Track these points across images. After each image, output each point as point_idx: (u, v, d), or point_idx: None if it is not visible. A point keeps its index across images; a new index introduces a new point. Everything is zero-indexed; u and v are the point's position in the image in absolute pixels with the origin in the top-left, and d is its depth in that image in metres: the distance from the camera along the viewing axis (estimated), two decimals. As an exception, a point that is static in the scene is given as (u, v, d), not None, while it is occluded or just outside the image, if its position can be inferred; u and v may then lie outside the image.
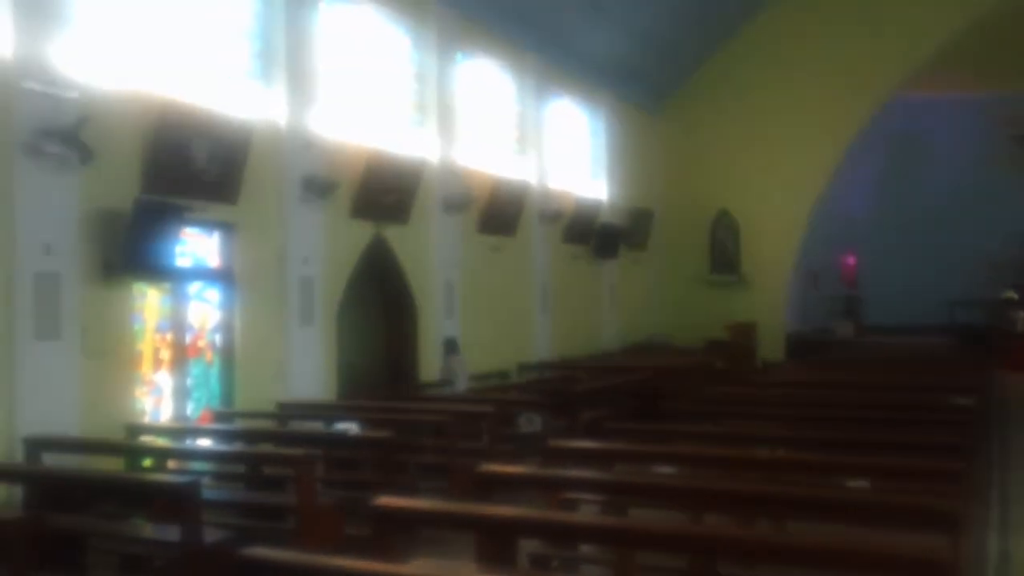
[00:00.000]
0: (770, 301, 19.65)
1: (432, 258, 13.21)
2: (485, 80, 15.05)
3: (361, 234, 11.90)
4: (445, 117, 13.53)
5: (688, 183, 20.52)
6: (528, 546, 5.73)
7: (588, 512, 6.05)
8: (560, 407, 11.52)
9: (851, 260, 24.37)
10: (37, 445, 7.16)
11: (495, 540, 4.86)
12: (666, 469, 6.70)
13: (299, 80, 10.75)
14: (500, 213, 14.80)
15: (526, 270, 15.76)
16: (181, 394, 9.33)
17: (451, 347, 12.76)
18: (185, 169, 9.20)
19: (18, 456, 7.27)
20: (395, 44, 12.87)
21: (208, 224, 9.65)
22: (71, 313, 7.96)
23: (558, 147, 17.27)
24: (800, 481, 5.87)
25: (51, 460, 7.18)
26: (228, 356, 9.89)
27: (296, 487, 6.66)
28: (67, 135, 7.75)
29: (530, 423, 10.95)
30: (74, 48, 8.13)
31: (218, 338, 9.85)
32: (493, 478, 5.91)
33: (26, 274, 7.65)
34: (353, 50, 12.00)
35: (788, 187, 19.49)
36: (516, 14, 14.78)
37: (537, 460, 7.34)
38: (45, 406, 7.64)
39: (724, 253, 20.53)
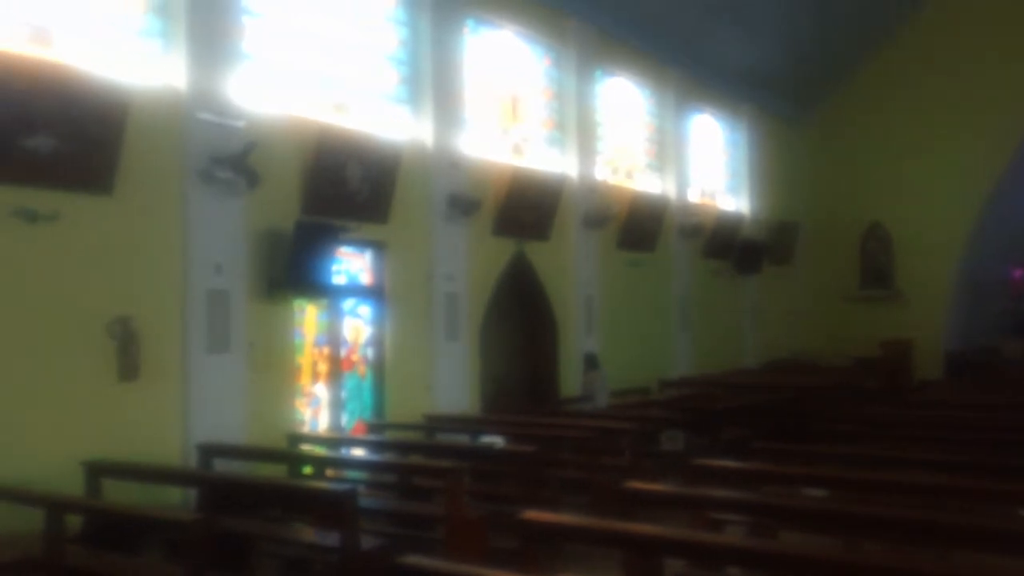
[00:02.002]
0: (927, 317, 18.63)
1: (572, 274, 13.33)
2: (624, 96, 15.09)
3: (503, 251, 12.15)
4: (585, 134, 13.66)
5: (836, 195, 19.81)
6: (673, 566, 5.71)
7: (735, 534, 5.96)
8: (701, 425, 11.36)
9: (1020, 273, 22.74)
10: (209, 451, 7.70)
11: (641, 558, 4.89)
12: (816, 492, 6.52)
13: (444, 102, 11.12)
14: (639, 228, 14.76)
15: (666, 285, 15.63)
16: (336, 405, 9.81)
17: (592, 363, 12.81)
18: (340, 191, 9.69)
19: (192, 461, 7.84)
20: (535, 64, 13.11)
21: (361, 243, 10.11)
22: (239, 328, 8.52)
23: (698, 160, 17.08)
24: (963, 508, 5.60)
25: (221, 466, 7.70)
26: (379, 369, 10.31)
27: (445, 498, 6.87)
28: (236, 161, 8.32)
29: (672, 440, 10.85)
30: (241, 79, 8.74)
31: (370, 352, 10.28)
32: (637, 495, 5.93)
33: (199, 291, 8.25)
34: (495, 71, 12.30)
35: (947, 196, 18.46)
36: (655, 29, 14.76)
37: (679, 478, 7.30)
38: (215, 415, 8.20)
39: (876, 267, 19.65)
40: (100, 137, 7.40)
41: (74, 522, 6.07)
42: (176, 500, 7.61)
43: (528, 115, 12.92)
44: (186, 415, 8.08)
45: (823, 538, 5.56)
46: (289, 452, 8.28)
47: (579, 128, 13.53)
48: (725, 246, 17.26)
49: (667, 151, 15.97)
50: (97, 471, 6.88)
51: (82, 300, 7.42)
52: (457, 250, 11.25)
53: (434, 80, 11.02)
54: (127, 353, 7.61)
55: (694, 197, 16.72)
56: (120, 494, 6.84)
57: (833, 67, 19.35)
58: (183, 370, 8.11)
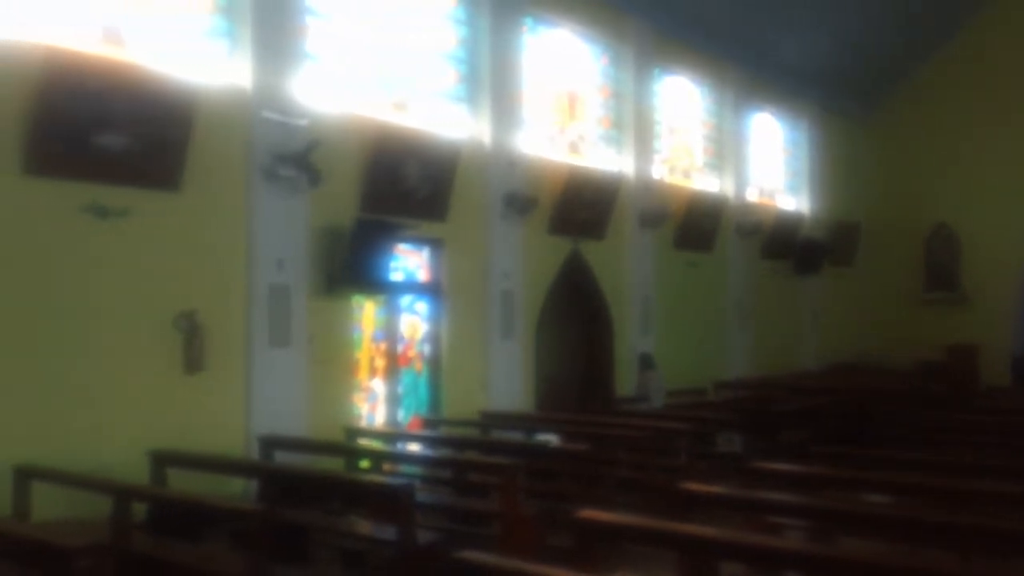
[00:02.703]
0: (994, 321, 18.08)
1: (628, 273, 13.27)
2: (682, 94, 14.96)
3: (559, 249, 12.15)
4: (642, 132, 13.58)
5: (900, 195, 19.34)
6: (728, 568, 5.65)
7: (793, 538, 5.88)
8: (758, 427, 11.22)
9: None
10: (270, 444, 7.85)
11: (696, 560, 4.86)
12: (878, 498, 6.40)
13: (502, 101, 11.17)
14: (696, 228, 14.63)
15: (723, 286, 15.46)
16: (393, 400, 9.92)
17: (647, 363, 12.74)
18: (399, 188, 9.80)
19: (253, 453, 8.00)
20: (593, 62, 13.07)
21: (418, 240, 10.20)
22: (299, 323, 8.68)
23: (757, 159, 16.85)
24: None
25: (281, 458, 7.84)
26: (435, 366, 10.41)
27: (500, 495, 6.90)
28: (298, 159, 8.47)
29: (729, 442, 10.74)
30: (304, 79, 8.89)
31: (426, 348, 10.38)
32: (693, 496, 5.88)
33: (262, 287, 8.42)
34: (553, 70, 12.30)
35: (1016, 196, 17.90)
36: (715, 28, 14.59)
37: (736, 481, 7.22)
38: (276, 408, 8.36)
39: (941, 269, 19.15)
40: (169, 135, 7.60)
41: (139, 510, 6.25)
42: (237, 490, 7.78)
43: (585, 113, 12.89)
44: (248, 407, 8.25)
45: (886, 545, 5.45)
46: (347, 446, 8.41)
47: (636, 126, 13.46)
48: (784, 246, 17.00)
49: (726, 150, 15.79)
50: (162, 460, 7.07)
51: (150, 294, 7.63)
52: (513, 248, 11.28)
53: (492, 79, 11.07)
54: (192, 346, 7.81)
55: (753, 196, 16.49)
56: (184, 483, 7.01)
57: (897, 64, 18.92)
58: (245, 363, 8.29)
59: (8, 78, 6.76)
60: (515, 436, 9.60)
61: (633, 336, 13.20)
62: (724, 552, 4.69)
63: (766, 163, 17.25)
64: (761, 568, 5.66)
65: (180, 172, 7.76)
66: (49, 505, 6.39)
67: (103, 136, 7.18)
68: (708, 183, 15.40)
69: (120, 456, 6.96)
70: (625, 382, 12.98)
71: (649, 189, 13.59)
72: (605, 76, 13.26)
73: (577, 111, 12.73)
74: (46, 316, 7.00)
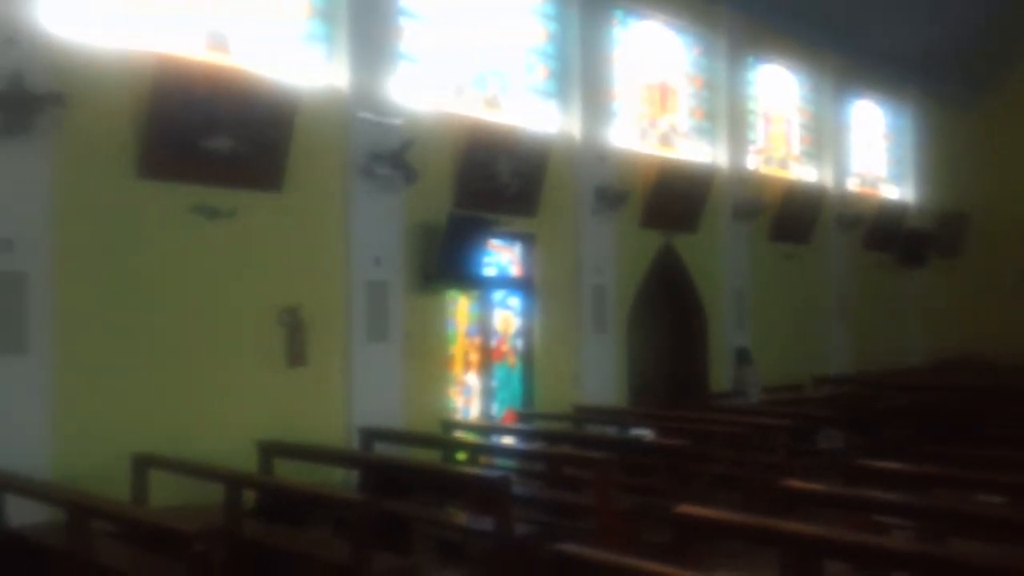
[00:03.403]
0: (1112, 314, 17.13)
1: (722, 266, 13.07)
2: (778, 83, 14.63)
3: (650, 243, 12.06)
4: (736, 123, 13.35)
5: (1011, 183, 18.44)
6: (832, 568, 5.53)
7: (901, 538, 5.72)
8: (861, 424, 10.91)
9: None
10: (370, 435, 8.06)
11: (800, 559, 4.77)
12: (990, 498, 6.15)
13: (592, 95, 11.14)
14: (794, 219, 14.29)
15: (822, 278, 15.06)
16: (487, 394, 10.04)
17: (743, 357, 12.53)
18: (491, 184, 9.90)
19: (354, 444, 8.23)
20: (684, 53, 12.91)
21: (510, 235, 10.28)
22: (396, 318, 8.87)
23: (857, 148, 16.34)
24: None
25: (380, 449, 8.04)
26: (528, 360, 10.48)
27: (595, 489, 6.92)
28: (394, 158, 8.65)
29: (830, 439, 10.48)
30: (399, 78, 9.06)
31: (519, 343, 10.46)
32: (793, 494, 5.78)
33: (360, 283, 8.64)
34: (643, 62, 12.20)
35: None
36: (812, 14, 14.18)
37: (838, 478, 7.04)
38: (374, 400, 8.58)
39: (1054, 260, 18.22)
40: (271, 137, 7.86)
41: (248, 497, 6.50)
42: (339, 479, 8.01)
43: (677, 105, 12.74)
44: (348, 400, 8.49)
45: (999, 547, 5.25)
46: (444, 438, 8.55)
47: (730, 117, 13.24)
48: (887, 237, 16.45)
49: (824, 138, 15.37)
50: (269, 450, 7.34)
51: (256, 291, 7.92)
52: (604, 242, 11.25)
53: (582, 73, 11.05)
54: (295, 341, 8.07)
55: (853, 186, 16.02)
56: (289, 472, 7.27)
57: (1006, 49, 18.03)
58: (345, 357, 8.52)
59: (123, 86, 7.11)
60: (608, 430, 9.59)
61: (727, 330, 13.00)
62: (830, 551, 4.58)
63: (867, 152, 16.72)
64: (867, 568, 5.52)
65: (282, 173, 8.02)
66: (165, 492, 6.70)
67: (210, 140, 7.48)
68: (806, 173, 15.02)
69: (230, 446, 7.24)
70: (719, 377, 12.79)
71: (743, 180, 13.35)
72: (697, 66, 13.08)
73: (668, 103, 12.59)
74: (160, 313, 7.35)
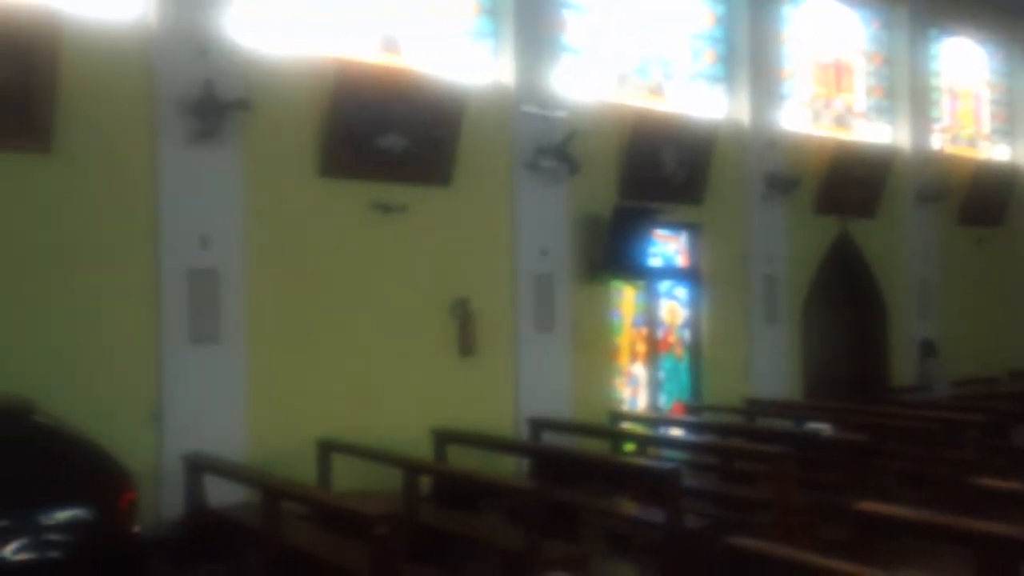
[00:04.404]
0: None
1: (904, 253, 12.35)
2: (965, 56, 13.64)
3: (825, 230, 11.56)
4: (918, 100, 12.56)
5: None
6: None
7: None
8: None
9: None
10: (538, 425, 8.17)
11: (995, 560, 4.45)
12: None
13: (762, 77, 10.79)
14: (984, 201, 13.31)
15: (1017, 264, 13.93)
16: (654, 386, 9.95)
17: (928, 350, 11.79)
18: (656, 174, 9.79)
19: (522, 433, 8.37)
20: (861, 29, 12.26)
21: (676, 225, 10.12)
22: (562, 308, 8.94)
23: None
24: None
25: (548, 438, 8.13)
26: (696, 351, 10.30)
27: (771, 483, 6.72)
28: (558, 150, 8.71)
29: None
30: (562, 71, 9.10)
31: (687, 334, 10.30)
32: (987, 492, 5.40)
33: (527, 274, 8.76)
34: (816, 41, 11.69)
35: None
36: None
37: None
38: (542, 390, 8.68)
39: None
40: (441, 135, 8.10)
41: (424, 483, 6.73)
42: (508, 468, 8.17)
43: (853, 84, 12.13)
44: (516, 389, 8.63)
45: None
46: (612, 429, 8.54)
47: (912, 95, 12.47)
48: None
49: (1018, 114, 14.20)
50: (443, 438, 7.58)
51: (427, 283, 8.19)
52: (775, 230, 10.89)
53: (751, 55, 10.72)
54: (466, 332, 8.30)
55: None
56: (460, 459, 7.48)
57: None
58: (514, 348, 8.67)
59: (304, 91, 7.52)
60: (782, 424, 9.28)
61: (910, 321, 12.28)
62: (1028, 554, 4.26)
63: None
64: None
65: (450, 168, 8.24)
66: (345, 475, 7.06)
67: (384, 139, 7.79)
68: (998, 152, 13.94)
69: (405, 433, 7.52)
70: (900, 370, 12.11)
71: (927, 161, 12.54)
72: (875, 42, 12.40)
73: (844, 82, 12.01)
74: (340, 305, 7.73)
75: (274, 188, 7.40)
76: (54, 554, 4.48)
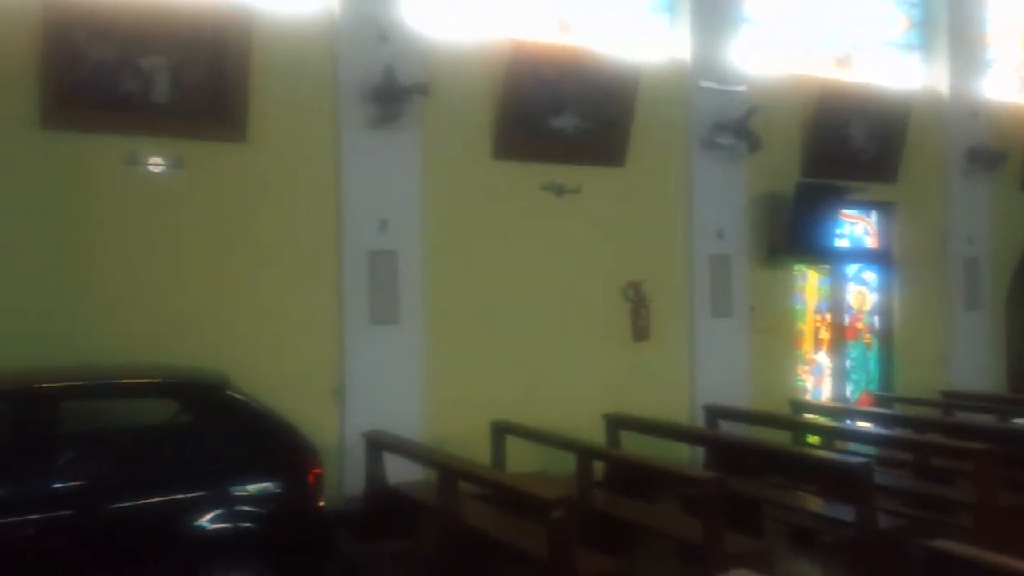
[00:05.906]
0: None
1: None
2: None
3: (1036, 209, 10.56)
4: None
5: None
6: None
7: None
8: None
9: None
10: (714, 413, 7.88)
11: None
12: None
13: (962, 44, 9.97)
14: None
15: None
16: (840, 375, 9.41)
17: None
18: (843, 149, 9.23)
19: (697, 420, 8.11)
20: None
21: (865, 204, 9.52)
22: (740, 292, 8.59)
23: None
24: None
25: (725, 427, 7.83)
26: (886, 339, 9.68)
27: (974, 483, 6.19)
28: (737, 127, 8.34)
29: None
30: (742, 44, 8.70)
31: (876, 321, 9.69)
32: None
33: (702, 256, 8.47)
34: (1028, 0, 10.65)
35: None
36: None
37: None
38: (718, 377, 8.38)
39: None
40: (614, 113, 7.93)
41: (597, 468, 6.63)
42: (683, 455, 7.94)
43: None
44: (691, 376, 8.38)
45: None
46: (794, 419, 8.13)
47: None
48: None
49: None
50: (616, 424, 7.44)
51: (601, 266, 8.07)
52: (977, 209, 10.07)
53: (950, 19, 9.92)
54: (640, 315, 8.12)
55: None
56: (633, 445, 7.33)
57: None
58: (689, 333, 8.41)
59: (478, 74, 7.55)
60: (985, 419, 8.54)
61: None
62: None
63: None
64: None
65: (624, 148, 8.06)
66: (518, 457, 7.08)
67: (557, 119, 7.72)
68: None
69: (577, 417, 7.44)
70: None
71: None
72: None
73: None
74: (514, 287, 7.73)
75: (450, 171, 7.47)
76: (247, 525, 4.68)
